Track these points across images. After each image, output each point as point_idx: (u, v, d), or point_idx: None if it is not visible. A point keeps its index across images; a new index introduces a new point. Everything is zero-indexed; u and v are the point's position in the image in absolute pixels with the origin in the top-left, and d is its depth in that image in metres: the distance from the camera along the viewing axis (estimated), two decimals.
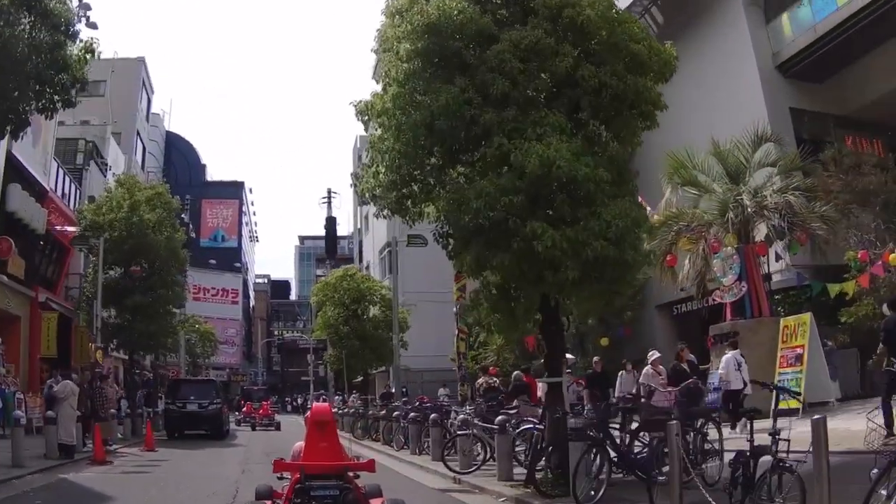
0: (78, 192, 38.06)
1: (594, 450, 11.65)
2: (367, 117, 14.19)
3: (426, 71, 13.34)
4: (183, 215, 51.12)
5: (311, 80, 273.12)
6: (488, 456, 16.89)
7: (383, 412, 26.90)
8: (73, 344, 34.00)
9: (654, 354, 18.00)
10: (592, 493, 11.40)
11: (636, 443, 13.55)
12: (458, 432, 17.26)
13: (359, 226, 69.12)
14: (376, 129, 14.27)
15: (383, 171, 13.86)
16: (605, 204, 12.26)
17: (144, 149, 62.94)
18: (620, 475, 12.47)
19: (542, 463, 13.36)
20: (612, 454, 12.16)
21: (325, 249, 45.18)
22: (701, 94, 28.46)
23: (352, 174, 16.10)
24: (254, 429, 41.14)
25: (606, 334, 32.75)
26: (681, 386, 16.58)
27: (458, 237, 13.62)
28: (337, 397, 48.13)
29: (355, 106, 14.21)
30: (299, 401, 77.17)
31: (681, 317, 32.35)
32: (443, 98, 12.43)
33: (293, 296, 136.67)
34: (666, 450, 10.41)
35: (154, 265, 32.74)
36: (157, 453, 23.14)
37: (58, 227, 31.79)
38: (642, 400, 16.22)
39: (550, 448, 13.10)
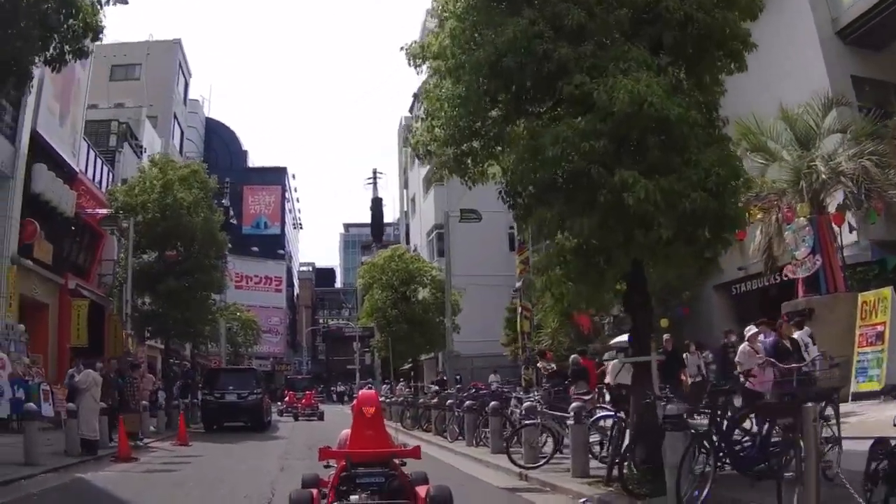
0: (111, 174, 36.54)
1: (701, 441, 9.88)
2: (421, 61, 12.58)
3: (489, 2, 11.68)
4: (223, 200, 49.68)
5: (354, 63, 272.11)
6: (556, 449, 15.04)
7: (435, 400, 24.89)
8: (106, 333, 32.59)
9: (751, 329, 15.69)
10: (696, 493, 9.49)
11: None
12: (525, 422, 15.17)
13: (405, 209, 67.13)
14: (431, 77, 12.70)
15: (439, 124, 12.24)
16: (700, 150, 10.52)
17: (182, 133, 61.49)
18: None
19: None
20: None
21: (371, 231, 43.30)
22: (760, 61, 26.35)
23: (404, 127, 14.11)
24: (296, 419, 39.79)
25: (665, 315, 30.72)
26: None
27: (531, 194, 11.71)
28: (385, 386, 46.40)
29: (407, 50, 12.61)
30: (340, 388, 75.69)
31: (740, 297, 30.47)
32: (510, 31, 10.74)
33: (338, 283, 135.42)
34: (776, 439, 9.75)
35: (190, 248, 30.94)
36: (189, 448, 21.36)
37: (88, 210, 30.16)
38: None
39: (636, 439, 11.40)
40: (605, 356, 31.24)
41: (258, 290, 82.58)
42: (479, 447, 18.85)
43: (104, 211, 29.70)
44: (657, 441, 10.19)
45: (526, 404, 16.19)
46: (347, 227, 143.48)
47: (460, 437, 20.77)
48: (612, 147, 10.31)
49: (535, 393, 16.83)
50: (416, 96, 63.59)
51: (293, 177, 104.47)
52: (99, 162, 35.38)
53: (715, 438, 10.53)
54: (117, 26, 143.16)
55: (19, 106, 25.59)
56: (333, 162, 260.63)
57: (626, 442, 11.96)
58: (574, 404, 13.88)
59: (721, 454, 10.63)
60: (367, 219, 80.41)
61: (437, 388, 29.20)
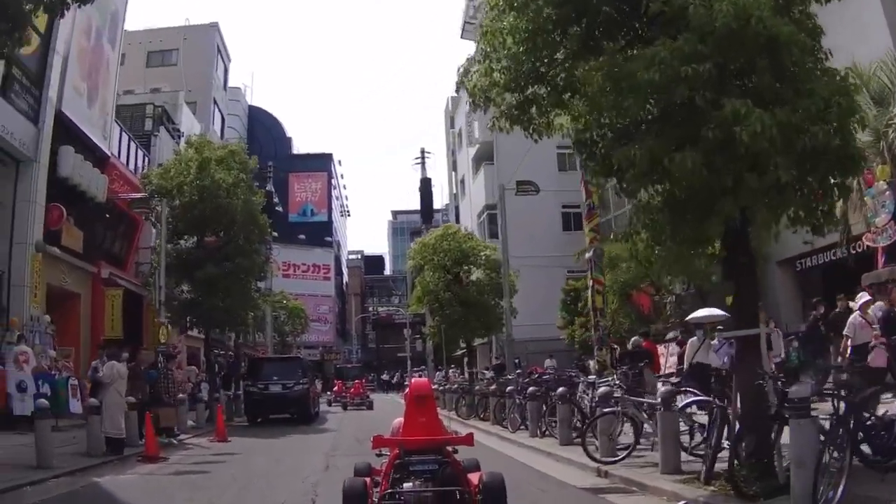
0: (146, 159, 35.01)
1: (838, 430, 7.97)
2: None
3: None
4: (268, 186, 48.11)
5: (397, 46, 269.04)
6: (637, 440, 12.99)
7: (493, 387, 22.88)
8: (144, 324, 31.17)
9: (863, 297, 13.47)
10: (832, 493, 7.60)
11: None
12: (604, 409, 13.13)
13: (454, 191, 65.12)
14: (490, 11, 10.78)
15: (499, 67, 10.57)
16: (816, 78, 8.67)
17: (223, 119, 60.14)
18: None
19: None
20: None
21: (421, 213, 41.41)
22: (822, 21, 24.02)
23: (459, 69, 12.05)
24: (345, 408, 38.71)
25: (730, 292, 28.31)
26: None
27: (612, 135, 9.81)
28: (438, 373, 44.66)
29: None
30: (386, 377, 74.05)
31: (805, 272, 28.31)
32: None
33: (387, 271, 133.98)
34: None
35: (230, 232, 29.22)
36: (228, 444, 19.65)
37: (120, 195, 28.59)
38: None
39: (743, 428, 9.52)
40: (669, 335, 29.11)
41: (306, 278, 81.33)
42: (545, 438, 16.98)
43: (137, 196, 28.07)
44: (767, 430, 8.94)
45: (601, 389, 14.11)
46: (395, 214, 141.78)
47: (522, 427, 18.89)
48: (716, 72, 8.37)
49: (613, 377, 14.67)
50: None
51: (339, 163, 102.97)
52: (133, 146, 33.89)
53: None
54: (152, 12, 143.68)
55: (41, 84, 24.04)
56: (380, 148, 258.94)
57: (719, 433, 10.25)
58: (662, 388, 11.83)
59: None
60: (415, 205, 78.76)
61: (493, 373, 27.24)
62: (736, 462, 9.24)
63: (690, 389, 13.19)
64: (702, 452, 11.51)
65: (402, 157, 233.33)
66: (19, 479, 12.06)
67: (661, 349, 23.99)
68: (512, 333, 26.18)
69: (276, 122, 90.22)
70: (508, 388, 20.44)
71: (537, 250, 41.99)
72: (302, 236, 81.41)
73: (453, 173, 64.94)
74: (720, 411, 10.67)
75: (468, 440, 7.47)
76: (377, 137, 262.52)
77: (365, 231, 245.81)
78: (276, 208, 76.05)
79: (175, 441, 19.06)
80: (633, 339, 20.33)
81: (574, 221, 49.43)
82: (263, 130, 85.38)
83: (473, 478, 7.18)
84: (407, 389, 8.34)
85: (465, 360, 58.28)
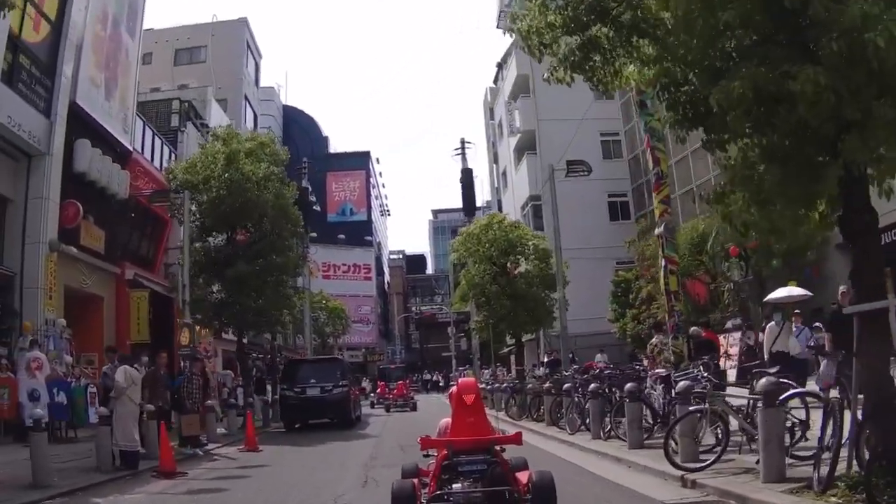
0: (173, 156, 33.43)
1: None
2: None
3: None
4: (304, 182, 46.42)
5: (432, 40, 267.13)
6: (726, 442, 10.86)
7: (547, 384, 20.84)
8: (175, 328, 29.62)
9: None
10: None
11: None
12: (690, 407, 11.10)
13: (496, 184, 63.03)
14: None
15: (555, 3, 8.97)
16: None
17: (256, 116, 58.59)
18: None
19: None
20: None
21: (463, 205, 39.41)
22: None
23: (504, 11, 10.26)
24: (388, 410, 37.15)
25: (792, 277, 26.33)
26: None
27: (707, 71, 7.98)
28: (485, 371, 42.86)
29: None
30: (427, 376, 72.10)
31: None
32: None
33: (429, 270, 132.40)
34: None
35: (261, 227, 27.54)
36: (258, 454, 17.82)
37: (144, 191, 27.05)
38: None
39: (871, 425, 7.89)
40: (729, 325, 26.93)
41: (347, 278, 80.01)
42: (610, 441, 14.95)
43: (155, 190, 26.50)
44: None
45: (682, 383, 11.99)
46: (436, 213, 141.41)
47: (583, 428, 16.83)
48: None
49: (698, 370, 12.52)
50: (500, 65, 59.96)
51: (377, 161, 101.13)
52: (158, 142, 32.39)
53: None
54: (179, 10, 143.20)
55: (53, 74, 22.49)
56: (418, 145, 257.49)
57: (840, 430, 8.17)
58: (762, 381, 9.76)
59: None
60: (456, 203, 76.84)
61: (547, 370, 25.24)
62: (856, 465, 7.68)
63: (788, 381, 11.09)
64: (803, 454, 9.76)
65: (441, 155, 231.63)
66: (6, 501, 10.35)
67: (720, 339, 22.16)
68: (566, 326, 23.96)
69: (311, 122, 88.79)
70: (565, 385, 18.38)
71: (584, 242, 40.08)
72: (342, 236, 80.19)
73: (494, 166, 62.98)
74: (836, 405, 8.60)
75: (517, 439, 7.49)
76: (415, 134, 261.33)
77: (406, 231, 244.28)
78: (314, 207, 74.58)
79: (200, 452, 17.33)
80: (692, 329, 18.15)
81: (621, 211, 47.46)
82: (299, 130, 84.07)
83: (522, 477, 7.16)
84: (452, 389, 8.07)
85: (512, 357, 56.47)
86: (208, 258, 26.88)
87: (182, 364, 19.16)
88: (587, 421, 16.42)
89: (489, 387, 31.69)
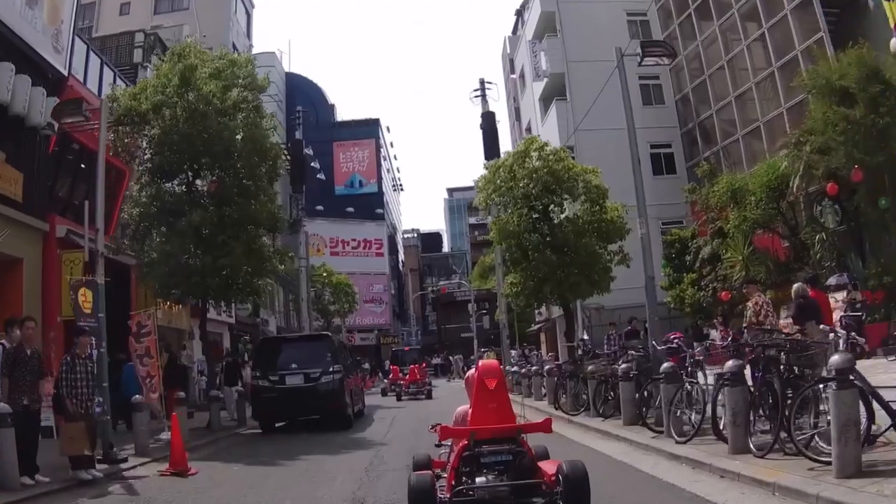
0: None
1: None
2: None
3: None
4: (297, 134, 39.78)
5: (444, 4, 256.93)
6: None
7: (625, 365, 14.38)
8: (133, 302, 23.55)
9: None
10: None
11: None
12: None
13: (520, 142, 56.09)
14: None
15: None
16: None
17: None
18: None
19: None
20: None
21: (485, 154, 32.64)
22: None
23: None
24: (399, 398, 32.56)
25: None
26: None
27: None
28: (513, 352, 36.68)
29: None
30: (436, 360, 65.84)
31: None
32: None
33: (446, 248, 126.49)
34: None
35: (228, 168, 21.11)
36: (182, 483, 11.27)
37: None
38: None
39: None
40: (833, 280, 20.46)
41: (356, 255, 74.08)
42: (790, 460, 8.43)
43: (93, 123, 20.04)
44: None
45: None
46: (451, 191, 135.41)
47: (704, 432, 10.65)
48: None
49: None
50: (518, 13, 53.28)
51: (387, 129, 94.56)
52: (108, 73, 25.91)
53: None
54: None
55: None
56: (431, 115, 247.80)
57: None
58: None
59: None
60: (471, 182, 70.81)
61: (615, 347, 18.73)
62: None
63: None
64: None
65: (456, 128, 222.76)
66: None
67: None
68: (654, 278, 16.78)
69: (316, 89, 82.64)
70: (664, 366, 11.89)
71: (623, 200, 33.65)
72: (350, 209, 74.44)
73: (517, 123, 56.30)
74: None
75: (546, 426, 6.94)
76: (428, 106, 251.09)
77: (420, 210, 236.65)
78: (318, 175, 68.73)
79: (88, 476, 10.98)
80: (795, 286, 13.17)
81: (665, 164, 41.00)
82: (303, 98, 77.81)
83: (547, 467, 6.53)
84: (470, 373, 7.51)
85: (542, 335, 50.00)
86: (162, 208, 20.52)
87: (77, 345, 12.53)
88: (719, 423, 10.13)
89: (522, 370, 25.81)
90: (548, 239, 21.38)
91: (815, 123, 21.51)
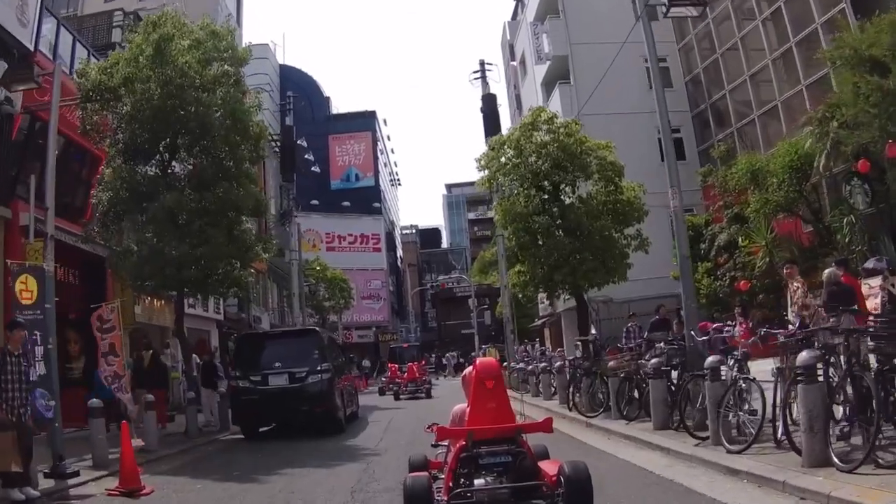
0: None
1: None
2: None
3: None
4: (287, 120, 37.81)
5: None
6: None
7: (654, 360, 12.49)
8: (109, 295, 21.65)
9: None
10: None
11: None
12: None
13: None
14: None
15: None
16: None
17: None
18: None
19: None
20: None
21: (486, 138, 30.74)
22: None
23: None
24: (397, 398, 31.04)
25: None
26: None
27: None
28: (519, 347, 34.87)
29: None
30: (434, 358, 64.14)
31: None
32: None
33: (445, 244, 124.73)
34: None
35: (206, 147, 19.12)
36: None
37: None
38: None
39: None
40: (871, 264, 18.58)
41: (353, 250, 72.24)
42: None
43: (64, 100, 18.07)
44: None
45: None
46: (450, 187, 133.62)
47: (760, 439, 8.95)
48: None
49: None
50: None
51: (384, 122, 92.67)
52: (82, 51, 23.93)
53: None
54: None
55: None
56: (428, 111, 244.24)
57: None
58: None
59: None
60: (470, 177, 69.15)
61: (640, 340, 16.73)
62: None
63: None
64: None
65: (454, 123, 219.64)
66: None
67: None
68: (687, 256, 14.76)
69: (311, 82, 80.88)
70: (709, 360, 10.00)
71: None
72: (346, 203, 72.65)
73: (518, 112, 54.19)
74: None
75: (546, 426, 6.59)
76: (425, 97, 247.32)
77: (418, 206, 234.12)
78: (313, 169, 66.89)
79: (21, 496, 9.12)
80: (826, 271, 12.08)
81: (675, 148, 39.08)
82: (297, 90, 75.73)
83: (547, 468, 6.27)
84: (467, 370, 7.10)
85: (546, 330, 48.07)
86: (134, 192, 18.59)
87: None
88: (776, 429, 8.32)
89: (528, 367, 24.07)
90: (559, 221, 19.28)
91: (844, 96, 19.67)
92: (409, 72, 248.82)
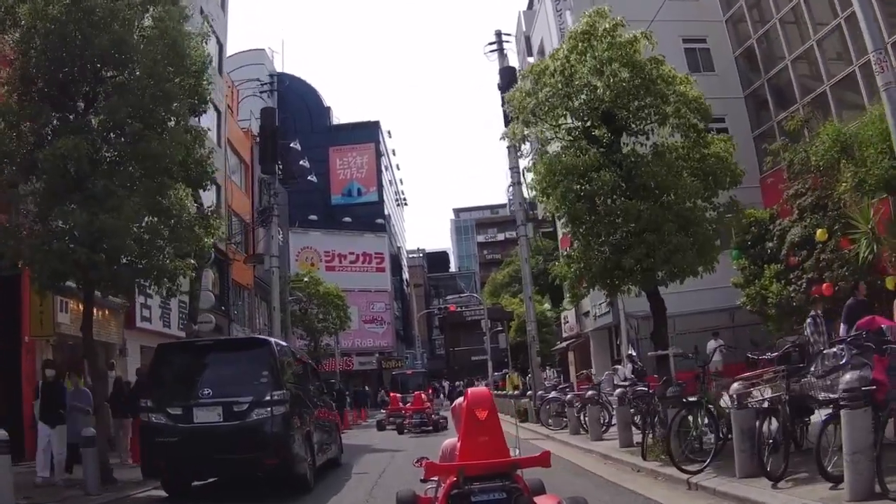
0: None
1: None
2: None
3: None
4: (271, 103, 31.85)
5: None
6: None
7: (848, 377, 6.68)
8: (25, 303, 16.39)
9: None
10: None
11: None
12: None
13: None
14: None
15: None
16: None
17: (221, 47, 43.19)
18: None
19: None
20: None
21: (505, 120, 24.98)
22: None
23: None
24: (401, 431, 26.19)
25: None
26: None
27: None
28: (549, 373, 29.39)
29: None
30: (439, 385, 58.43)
31: None
32: None
33: (453, 269, 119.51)
34: None
35: (120, 80, 13.38)
36: None
37: None
38: None
39: None
40: None
41: (355, 270, 66.91)
42: None
43: None
44: None
45: None
46: (458, 212, 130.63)
47: None
48: None
49: None
50: None
51: (388, 134, 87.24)
52: None
53: None
54: None
55: None
56: (435, 131, 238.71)
57: None
58: None
59: None
60: (479, 201, 63.45)
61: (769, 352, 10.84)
62: None
63: None
64: None
65: (463, 139, 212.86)
66: None
67: None
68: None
69: (310, 90, 76.13)
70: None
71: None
72: (347, 219, 67.40)
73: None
74: None
75: (544, 460, 5.96)
76: (432, 115, 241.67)
77: (425, 232, 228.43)
78: (310, 178, 61.26)
79: None
80: None
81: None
82: (296, 99, 71.24)
83: (544, 503, 5.96)
84: (458, 401, 6.75)
85: (571, 354, 41.98)
86: (23, 140, 12.95)
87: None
88: None
89: (566, 396, 18.67)
90: (625, 184, 12.70)
91: None
92: (415, 85, 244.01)
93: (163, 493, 12.19)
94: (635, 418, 14.93)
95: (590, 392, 17.23)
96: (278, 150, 29.45)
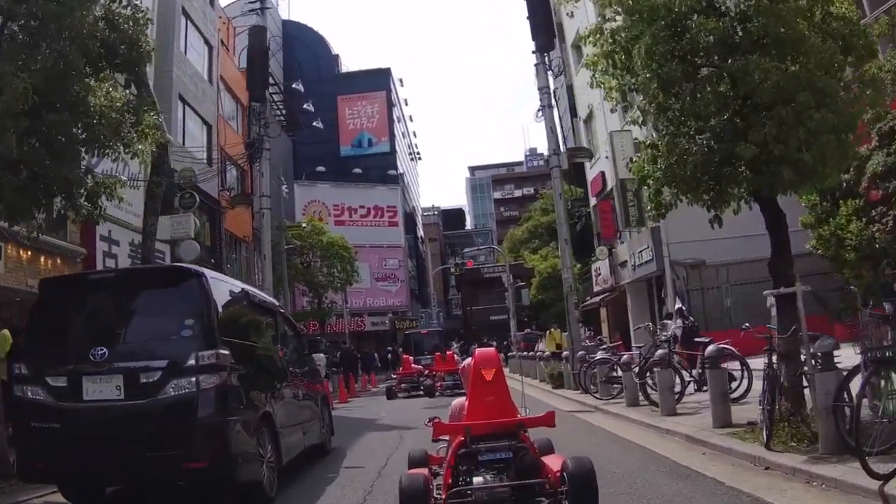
0: None
1: None
2: None
3: None
4: (261, 22, 27.27)
5: None
6: None
7: None
8: None
9: None
10: None
11: None
12: None
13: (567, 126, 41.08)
14: None
15: None
16: None
17: (211, 49, 37.39)
18: None
19: None
20: None
21: (532, 34, 20.95)
22: None
23: None
24: (431, 395, 22.94)
25: None
26: None
27: None
28: (587, 333, 25.76)
29: None
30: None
31: None
32: None
33: (469, 225, 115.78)
34: None
35: None
36: None
37: None
38: None
39: None
40: None
41: (366, 224, 63.09)
42: None
43: None
44: None
45: None
46: (473, 169, 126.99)
47: None
48: None
49: None
50: None
51: (400, 83, 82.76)
52: None
53: None
54: None
55: None
56: (449, 83, 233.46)
57: None
58: None
59: None
60: (496, 159, 59.27)
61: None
62: None
63: None
64: None
65: (480, 96, 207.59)
66: None
67: None
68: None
69: (318, 38, 71.96)
70: None
71: None
72: (357, 170, 63.57)
73: (573, 119, 41.30)
74: None
75: (548, 420, 6.03)
76: (445, 58, 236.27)
77: (439, 188, 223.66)
78: (315, 124, 57.41)
79: None
80: None
81: None
82: (302, 48, 67.74)
83: (551, 463, 5.78)
84: (466, 362, 6.86)
85: (603, 310, 37.83)
86: None
87: None
88: None
89: (619, 358, 14.86)
90: (736, 37, 8.02)
91: None
92: (427, 32, 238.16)
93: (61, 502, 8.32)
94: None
95: (658, 352, 13.20)
96: (268, 73, 25.49)
